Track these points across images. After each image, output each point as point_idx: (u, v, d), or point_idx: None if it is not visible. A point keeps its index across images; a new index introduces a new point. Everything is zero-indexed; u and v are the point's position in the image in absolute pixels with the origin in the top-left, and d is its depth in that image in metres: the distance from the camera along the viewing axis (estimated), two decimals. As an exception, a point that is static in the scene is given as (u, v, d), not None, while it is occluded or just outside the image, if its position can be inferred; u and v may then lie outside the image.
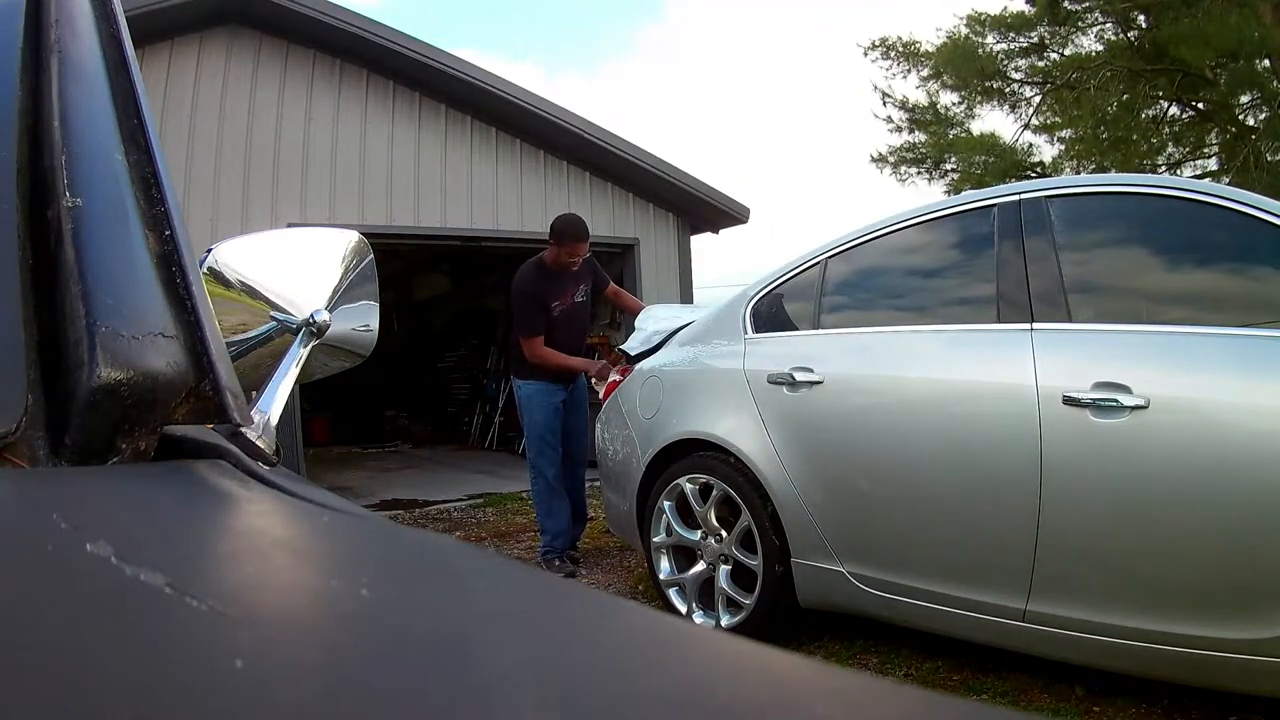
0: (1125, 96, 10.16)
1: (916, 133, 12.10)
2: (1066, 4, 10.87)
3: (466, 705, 0.19)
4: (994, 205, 2.41)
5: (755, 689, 0.22)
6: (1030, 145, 11.53)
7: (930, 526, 2.28)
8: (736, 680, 0.23)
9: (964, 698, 0.97)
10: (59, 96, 0.47)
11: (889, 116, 12.18)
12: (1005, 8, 11.30)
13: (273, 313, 0.84)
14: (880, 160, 12.26)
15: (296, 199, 5.65)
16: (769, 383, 2.68)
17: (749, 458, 2.66)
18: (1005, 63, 11.50)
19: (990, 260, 2.36)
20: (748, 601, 2.68)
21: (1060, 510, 2.00)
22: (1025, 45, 11.48)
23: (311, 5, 5.52)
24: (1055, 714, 2.11)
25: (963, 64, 11.26)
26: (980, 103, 11.72)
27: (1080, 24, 11.15)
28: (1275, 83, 9.56)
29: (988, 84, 11.43)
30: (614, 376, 3.40)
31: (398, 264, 9.37)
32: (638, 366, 3.24)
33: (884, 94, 12.16)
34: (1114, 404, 1.93)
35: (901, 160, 12.11)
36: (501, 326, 8.81)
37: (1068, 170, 10.92)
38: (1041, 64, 11.53)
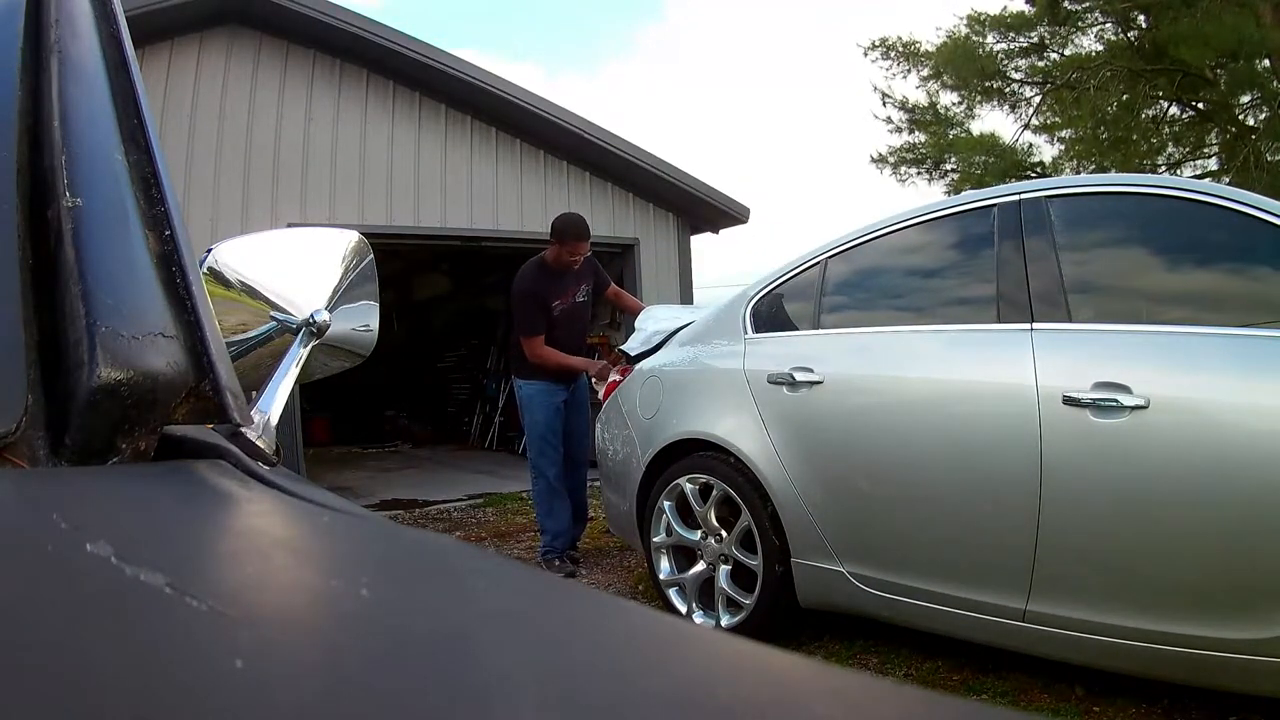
0: (1125, 96, 10.16)
1: (916, 133, 12.11)
2: (1066, 4, 10.87)
3: (466, 705, 0.19)
4: (994, 205, 2.41)
5: (755, 689, 0.22)
6: (1030, 145, 11.55)
7: (930, 526, 2.28)
8: (736, 680, 0.23)
9: (964, 698, 0.97)
10: (59, 96, 0.47)
11: (889, 117, 12.19)
12: (1005, 8, 11.32)
13: (273, 313, 0.84)
14: (880, 161, 12.27)
15: (296, 199, 5.65)
16: (769, 383, 2.68)
17: (749, 458, 2.66)
18: (1005, 63, 11.50)
19: (990, 260, 2.36)
20: (748, 601, 2.68)
21: (1060, 510, 2.00)
22: (1025, 45, 11.48)
23: (311, 5, 5.52)
24: (1055, 714, 2.11)
25: (963, 64, 11.26)
26: (980, 103, 11.73)
27: (1080, 24, 11.15)
28: (1275, 83, 9.56)
29: (988, 84, 11.44)
30: (614, 376, 3.40)
31: (398, 264, 9.37)
32: (638, 366, 3.24)
33: (884, 94, 12.17)
34: (1114, 404, 1.93)
35: (901, 161, 12.12)
36: (502, 326, 8.81)
37: (1068, 170, 10.92)
38: (1041, 64, 11.54)
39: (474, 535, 4.73)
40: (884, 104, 12.18)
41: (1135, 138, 10.37)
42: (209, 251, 0.81)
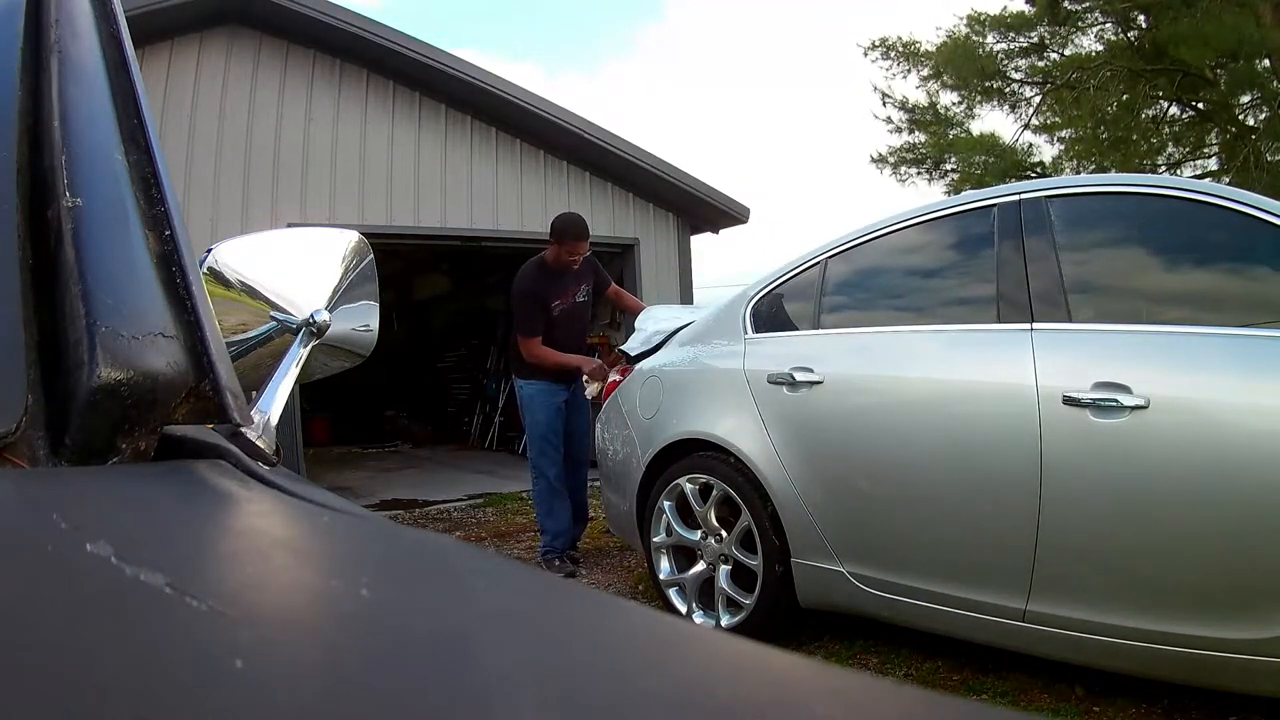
0: (1125, 96, 10.16)
1: (916, 133, 12.10)
2: (1066, 4, 10.87)
3: (466, 705, 0.19)
4: (994, 205, 2.41)
5: (755, 689, 0.22)
6: (1030, 145, 11.55)
7: (930, 526, 2.28)
8: (736, 680, 0.23)
9: (964, 698, 0.97)
10: (59, 96, 0.47)
11: (889, 117, 12.19)
12: (1005, 8, 11.32)
13: (273, 313, 0.84)
14: (880, 161, 12.27)
15: (296, 199, 5.65)
16: (769, 383, 2.68)
17: (749, 458, 2.66)
18: (1005, 63, 11.50)
19: (990, 260, 2.36)
20: (748, 601, 2.68)
21: (1060, 510, 2.00)
22: (1025, 45, 11.48)
23: (311, 5, 5.52)
24: (1055, 714, 2.11)
25: (963, 64, 11.26)
26: (980, 103, 11.73)
27: (1080, 24, 11.15)
28: (1275, 83, 9.56)
29: (988, 84, 11.44)
30: (614, 376, 3.41)
31: (398, 264, 9.37)
32: (638, 366, 3.24)
33: (884, 94, 12.17)
34: (1114, 404, 1.93)
35: (901, 161, 12.12)
36: (502, 326, 8.81)
37: (1068, 170, 10.92)
38: (1041, 64, 11.54)
39: (474, 535, 4.73)
40: (884, 104, 12.19)
41: (1135, 138, 10.37)
42: (209, 251, 0.81)
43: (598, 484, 3.51)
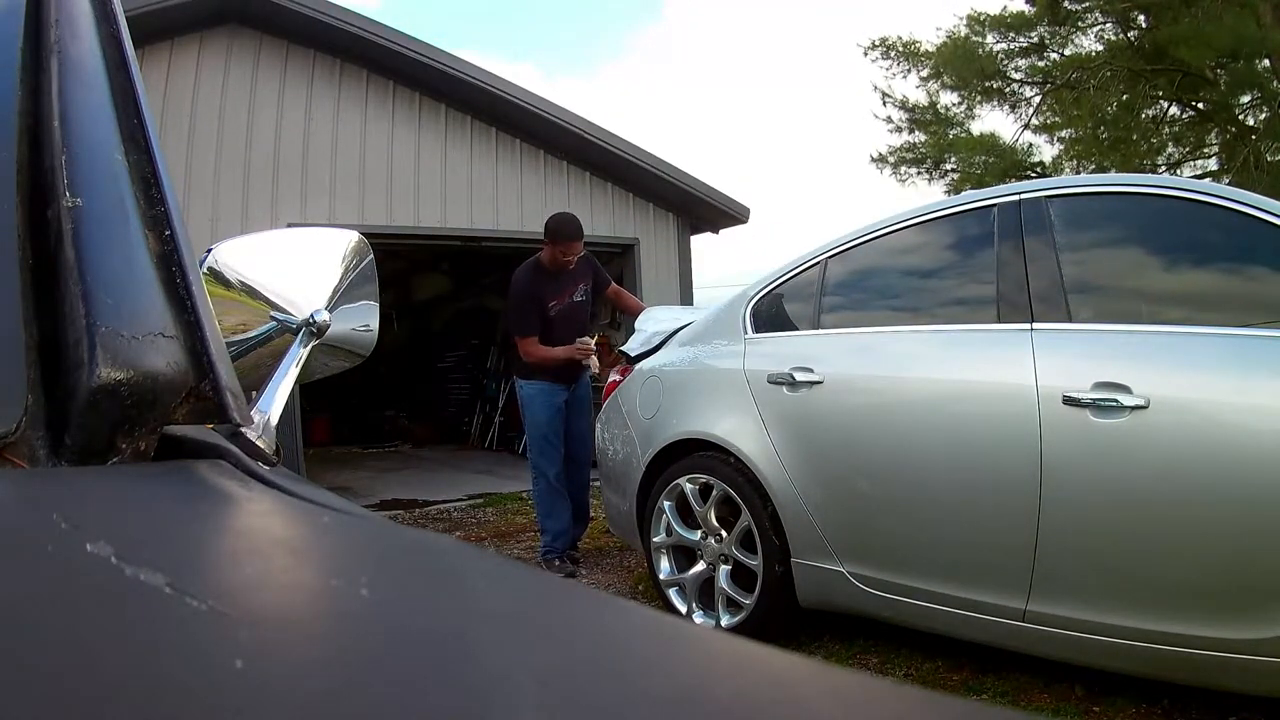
0: (1125, 96, 10.17)
1: (916, 133, 12.11)
2: (1066, 4, 10.87)
3: (466, 705, 0.19)
4: (994, 205, 2.41)
5: (755, 689, 0.22)
6: (1030, 145, 11.55)
7: (930, 526, 2.28)
8: (736, 680, 0.23)
9: (964, 698, 0.97)
10: (59, 96, 0.47)
11: (889, 117, 12.19)
12: (1005, 8, 11.32)
13: (273, 313, 0.84)
14: (880, 160, 12.27)
15: (296, 199, 5.65)
16: (769, 383, 2.68)
17: (749, 458, 2.66)
18: (1005, 63, 11.50)
19: (990, 260, 2.36)
20: (748, 601, 2.68)
21: (1060, 510, 2.00)
22: (1025, 45, 11.48)
23: (311, 5, 5.52)
24: (1055, 714, 2.11)
25: (963, 64, 11.26)
26: (980, 103, 11.73)
27: (1080, 24, 11.15)
28: (1275, 83, 9.56)
29: (988, 84, 11.44)
30: (614, 376, 3.41)
31: (398, 264, 9.37)
32: (638, 366, 3.24)
33: (884, 94, 12.17)
34: (1114, 404, 1.93)
35: (901, 160, 12.11)
36: (502, 326, 8.81)
37: (1068, 170, 10.92)
38: (1041, 64, 11.54)
39: (474, 535, 4.73)
40: (884, 104, 12.19)
41: (1135, 138, 10.37)
42: (209, 251, 0.81)
43: (598, 484, 3.51)
